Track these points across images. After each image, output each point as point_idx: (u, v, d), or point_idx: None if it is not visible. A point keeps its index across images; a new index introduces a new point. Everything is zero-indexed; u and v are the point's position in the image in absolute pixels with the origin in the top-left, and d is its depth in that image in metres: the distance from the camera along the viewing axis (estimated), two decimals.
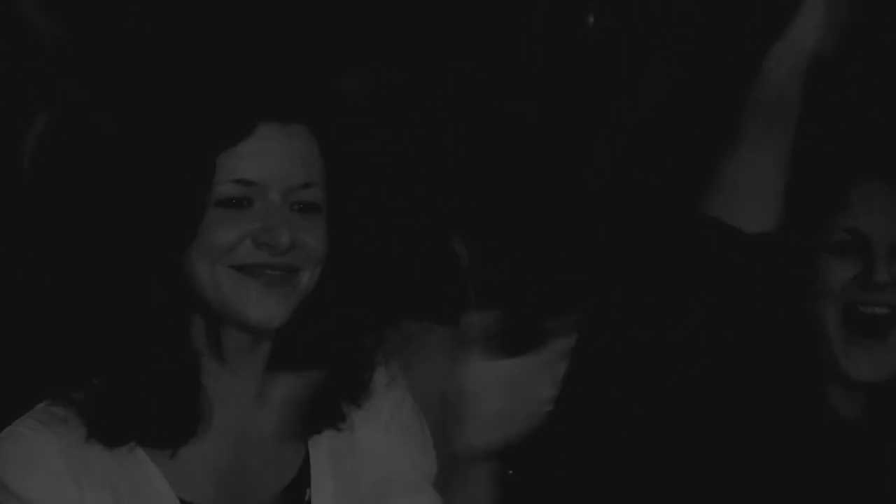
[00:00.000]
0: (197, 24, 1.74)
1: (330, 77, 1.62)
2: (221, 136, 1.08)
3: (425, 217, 1.62)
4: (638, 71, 2.14)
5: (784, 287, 1.44)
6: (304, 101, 1.15)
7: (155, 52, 1.68)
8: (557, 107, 2.09)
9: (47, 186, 1.58)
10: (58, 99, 1.62)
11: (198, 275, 1.07)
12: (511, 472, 1.32)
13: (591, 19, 1.36)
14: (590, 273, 1.81)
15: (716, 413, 1.42)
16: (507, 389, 1.19)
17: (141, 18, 1.72)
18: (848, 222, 1.43)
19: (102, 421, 1.04)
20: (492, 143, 1.92)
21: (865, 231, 1.43)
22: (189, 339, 1.09)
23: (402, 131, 1.68)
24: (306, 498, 1.11)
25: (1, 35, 1.64)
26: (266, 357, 1.12)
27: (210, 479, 1.08)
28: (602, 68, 2.12)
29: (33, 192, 1.61)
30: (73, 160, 1.56)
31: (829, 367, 1.44)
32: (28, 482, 1.02)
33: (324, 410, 1.12)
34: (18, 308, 1.49)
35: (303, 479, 1.11)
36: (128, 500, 1.04)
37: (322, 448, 1.13)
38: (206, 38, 1.70)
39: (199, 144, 1.08)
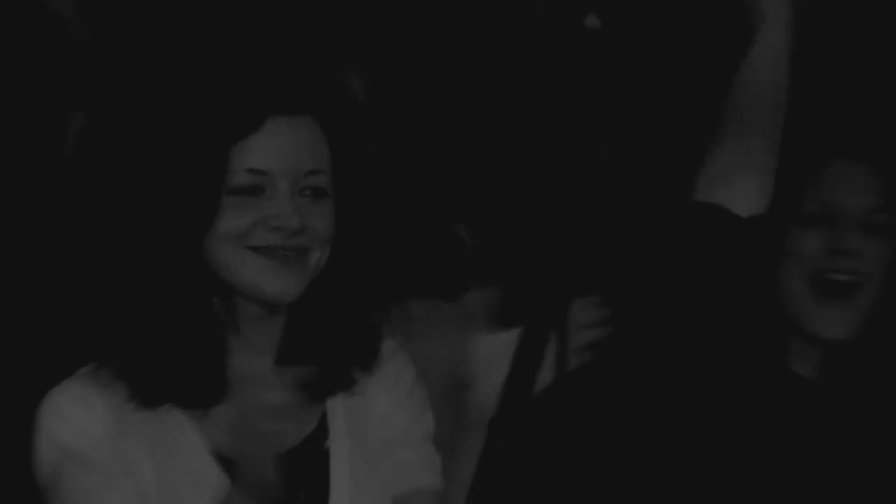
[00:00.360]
0: (206, 24, 1.84)
1: (331, 70, 1.73)
2: (233, 131, 1.17)
3: (432, 207, 1.71)
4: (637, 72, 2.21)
5: (754, 257, 1.52)
6: (309, 94, 1.24)
7: (169, 52, 1.79)
8: (557, 107, 2.15)
9: (83, 179, 1.69)
10: (87, 98, 1.74)
11: (218, 256, 1.16)
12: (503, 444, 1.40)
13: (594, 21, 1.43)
14: (587, 264, 1.89)
15: (685, 380, 1.50)
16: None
17: (153, 20, 1.83)
18: (821, 196, 1.52)
19: (141, 386, 1.14)
20: (492, 141, 2.00)
21: (836, 204, 1.51)
22: (213, 313, 1.19)
23: (403, 127, 1.76)
24: (325, 447, 1.20)
25: (32, 36, 1.76)
26: (281, 329, 1.22)
27: (237, 434, 1.18)
28: (602, 68, 2.19)
29: (72, 185, 1.73)
30: (103, 157, 1.67)
31: (794, 328, 1.52)
32: (78, 437, 1.13)
33: (337, 377, 1.21)
34: (63, 288, 1.61)
35: (322, 431, 1.21)
36: (165, 454, 1.14)
37: (338, 407, 1.22)
38: (214, 38, 1.81)
39: (212, 139, 1.17)
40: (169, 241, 1.17)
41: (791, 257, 1.50)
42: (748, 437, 1.49)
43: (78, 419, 1.14)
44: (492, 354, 1.29)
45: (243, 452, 1.18)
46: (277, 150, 1.18)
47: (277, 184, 1.17)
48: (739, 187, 1.52)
